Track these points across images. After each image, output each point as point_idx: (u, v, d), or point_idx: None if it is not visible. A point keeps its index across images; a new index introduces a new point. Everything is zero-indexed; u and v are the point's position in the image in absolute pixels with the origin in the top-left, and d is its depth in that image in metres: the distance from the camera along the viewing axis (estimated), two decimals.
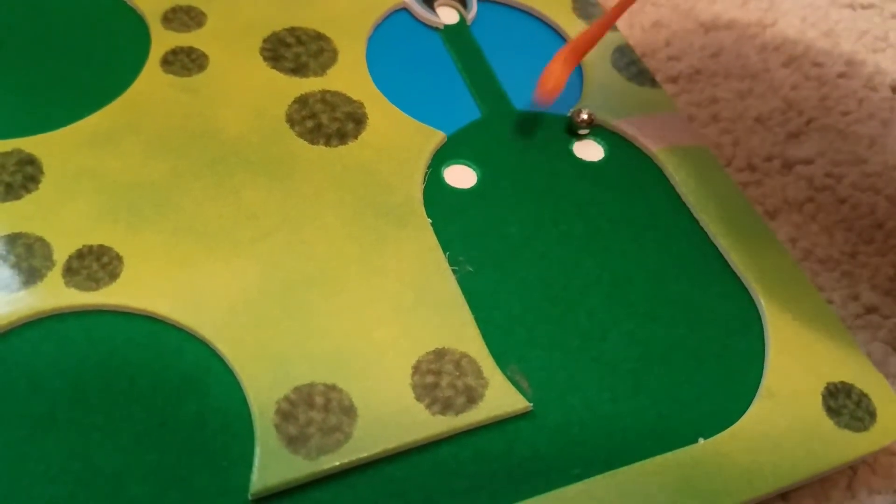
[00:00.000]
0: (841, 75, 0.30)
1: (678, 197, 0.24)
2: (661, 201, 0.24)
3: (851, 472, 0.21)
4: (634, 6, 0.31)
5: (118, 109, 0.23)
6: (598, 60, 0.27)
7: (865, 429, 0.20)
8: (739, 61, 0.29)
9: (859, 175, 0.26)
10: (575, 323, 0.21)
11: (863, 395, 0.20)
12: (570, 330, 0.21)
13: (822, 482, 0.20)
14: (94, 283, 0.20)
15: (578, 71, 0.27)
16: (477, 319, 0.20)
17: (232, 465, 0.18)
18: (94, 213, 0.21)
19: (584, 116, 0.25)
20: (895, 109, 0.29)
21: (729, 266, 0.23)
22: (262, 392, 0.18)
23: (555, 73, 0.24)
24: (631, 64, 0.27)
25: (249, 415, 0.18)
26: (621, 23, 0.30)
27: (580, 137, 0.25)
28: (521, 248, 0.22)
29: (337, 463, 0.18)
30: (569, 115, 0.25)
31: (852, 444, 0.20)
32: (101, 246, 0.20)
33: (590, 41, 0.25)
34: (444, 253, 0.21)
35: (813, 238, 0.25)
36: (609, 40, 0.27)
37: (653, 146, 0.25)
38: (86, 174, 0.22)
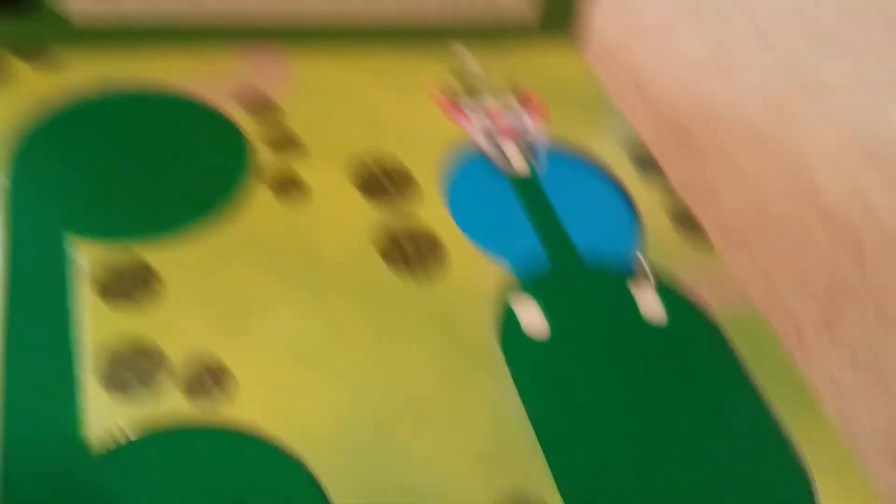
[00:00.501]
0: (882, 251, 0.32)
1: (737, 362, 0.25)
2: (720, 363, 0.25)
3: None
4: (685, 164, 0.32)
5: (229, 225, 0.25)
6: (654, 214, 0.28)
7: None
8: (788, 230, 0.31)
9: None
10: (643, 478, 0.22)
11: None
12: (639, 483, 0.22)
13: None
14: (205, 397, 0.21)
15: (635, 222, 0.28)
16: (551, 466, 0.21)
17: None
18: (206, 324, 0.22)
19: (647, 273, 0.26)
20: None
21: (785, 439, 0.23)
22: None
23: None
24: (686, 222, 0.28)
25: None
26: (672, 179, 0.32)
27: (643, 294, 0.26)
28: (588, 398, 0.23)
29: None
30: (633, 270, 0.26)
31: None
32: (210, 356, 0.21)
33: None
34: (519, 397, 0.22)
35: (854, 409, 0.26)
36: (664, 196, 0.29)
37: (711, 306, 0.26)
38: (200, 286, 0.23)
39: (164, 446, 0.20)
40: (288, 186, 0.26)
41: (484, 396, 0.22)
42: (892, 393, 0.27)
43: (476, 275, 0.25)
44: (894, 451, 0.25)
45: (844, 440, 0.24)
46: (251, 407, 0.21)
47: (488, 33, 0.33)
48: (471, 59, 0.32)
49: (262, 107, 0.28)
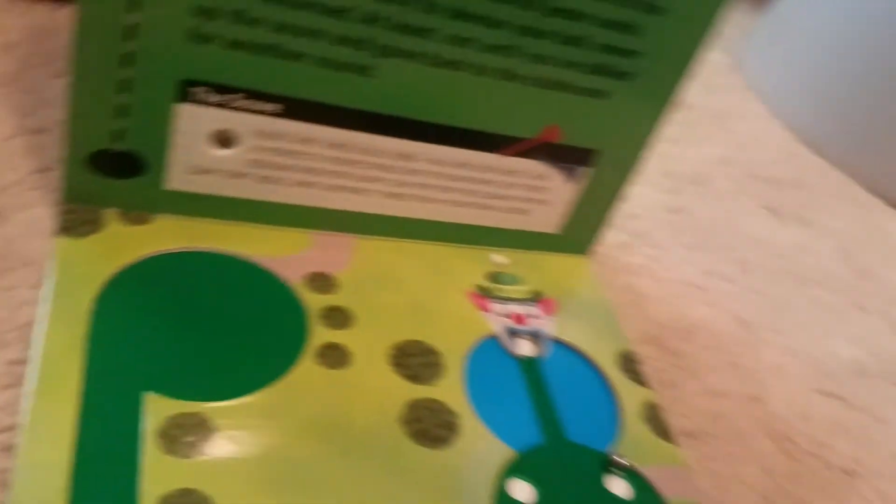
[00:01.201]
0: (810, 454, 0.38)
1: None
2: None
3: None
4: (662, 375, 0.39)
5: (279, 390, 0.29)
6: (631, 410, 0.34)
7: None
8: (734, 428, 0.37)
9: None
10: None
11: None
12: None
13: None
14: None
15: (615, 414, 0.34)
16: None
17: None
18: (254, 482, 0.26)
19: (623, 462, 0.32)
20: (849, 490, 0.37)
21: None
22: None
23: None
24: (656, 419, 0.34)
25: None
26: (647, 377, 0.38)
27: (613, 475, 0.32)
28: None
29: None
30: (607, 454, 0.32)
31: None
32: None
33: None
34: None
35: None
36: (641, 394, 0.35)
37: (669, 495, 0.32)
38: (250, 444, 0.27)
39: None
40: (336, 360, 0.31)
41: None
42: None
43: (482, 451, 0.30)
44: None
45: None
46: None
47: (519, 243, 0.40)
48: (502, 263, 0.39)
49: (323, 284, 0.34)
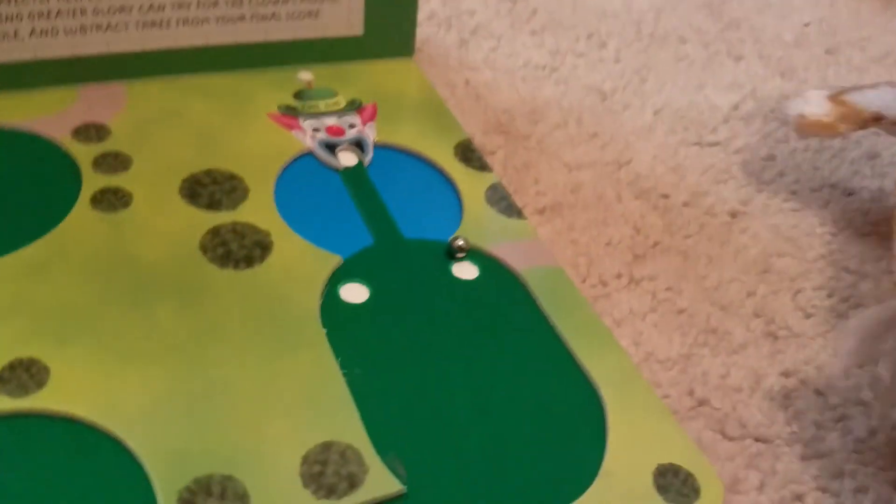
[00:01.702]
0: (685, 204, 0.35)
1: (538, 309, 0.28)
2: (523, 313, 0.28)
3: None
4: (508, 150, 0.36)
5: (50, 242, 0.27)
6: (474, 196, 0.32)
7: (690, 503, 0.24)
8: (596, 195, 0.35)
9: (697, 288, 0.31)
10: (445, 418, 0.24)
11: (689, 475, 0.24)
12: (441, 424, 0.24)
13: None
14: (22, 390, 0.23)
15: (458, 204, 0.32)
16: (363, 415, 0.24)
17: None
18: (26, 330, 0.24)
19: (461, 243, 0.29)
20: (732, 231, 0.34)
21: (578, 367, 0.27)
22: (166, 483, 0.21)
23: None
24: (502, 199, 0.32)
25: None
26: (496, 164, 0.35)
27: (458, 260, 0.29)
28: (403, 355, 0.26)
29: None
30: (448, 241, 0.29)
31: None
32: (30, 358, 0.23)
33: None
34: (337, 359, 0.25)
35: (654, 342, 0.29)
36: (484, 179, 0.33)
37: (518, 267, 0.29)
38: (20, 297, 0.25)
39: None
40: (114, 203, 0.28)
41: (301, 366, 0.25)
42: (685, 328, 0.30)
43: (300, 262, 0.28)
44: (685, 377, 0.28)
45: (629, 362, 0.27)
46: (65, 397, 0.23)
47: (326, 56, 0.36)
48: (308, 80, 0.36)
49: (92, 134, 0.31)
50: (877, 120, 0.35)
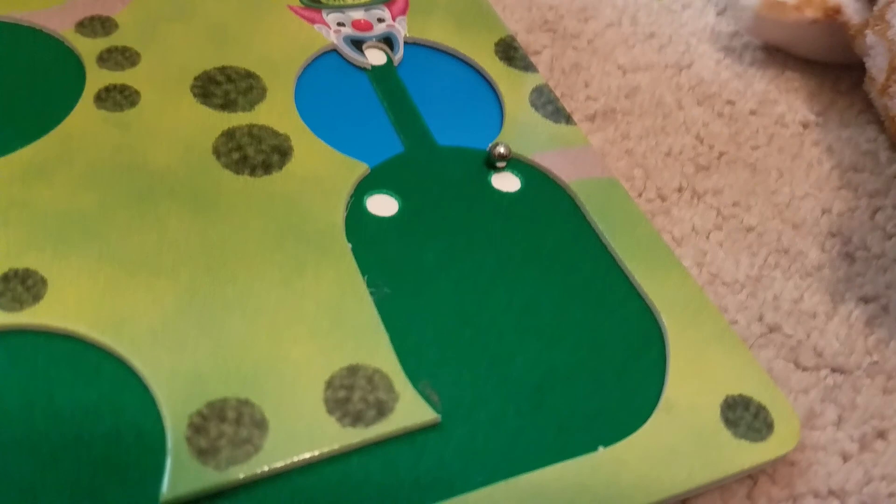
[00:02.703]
0: (752, 112, 0.32)
1: (589, 225, 0.25)
2: (572, 230, 0.25)
3: (751, 482, 0.21)
4: (556, 50, 0.33)
5: (50, 143, 0.24)
6: (516, 99, 0.28)
7: (763, 439, 0.21)
8: (654, 101, 0.31)
9: (766, 204, 0.28)
10: (485, 344, 0.22)
11: (761, 408, 0.21)
12: (480, 350, 0.22)
13: (722, 491, 0.21)
14: (17, 304, 0.20)
15: (498, 108, 0.28)
16: (392, 338, 0.21)
17: (145, 478, 0.18)
18: (22, 239, 0.22)
19: (502, 150, 0.26)
20: (804, 144, 0.31)
21: (635, 289, 0.24)
22: (176, 407, 0.19)
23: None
24: (548, 103, 0.29)
25: (163, 429, 0.19)
26: (541, 65, 0.32)
27: (498, 170, 0.26)
28: (437, 273, 0.23)
29: (242, 475, 0.18)
30: (487, 149, 0.26)
31: (749, 454, 0.21)
32: (26, 269, 0.21)
33: None
34: (363, 276, 0.22)
35: (719, 263, 0.26)
36: (528, 81, 0.29)
37: (566, 178, 0.26)
38: (16, 203, 0.22)
39: None
40: (120, 101, 0.25)
41: (324, 283, 0.22)
42: (754, 247, 0.27)
43: (323, 170, 0.25)
44: (755, 301, 0.25)
45: (694, 284, 0.24)
46: (66, 309, 0.20)
47: None
48: None
49: (97, 27, 0.28)
50: (836, 13, 0.31)
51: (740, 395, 0.22)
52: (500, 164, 0.26)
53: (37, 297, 0.21)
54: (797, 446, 0.21)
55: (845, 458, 0.22)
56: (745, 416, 0.21)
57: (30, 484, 0.18)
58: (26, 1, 0.28)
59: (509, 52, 0.30)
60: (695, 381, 0.22)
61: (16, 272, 0.21)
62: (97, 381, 0.20)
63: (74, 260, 0.21)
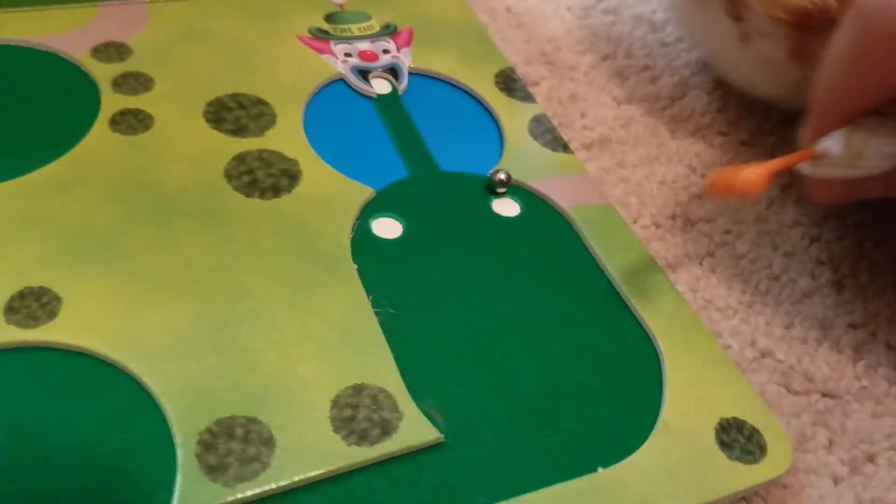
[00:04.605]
0: (743, 143, 0.33)
1: (587, 250, 0.26)
2: (571, 254, 0.26)
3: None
4: (553, 82, 0.34)
5: (67, 163, 0.25)
6: (516, 127, 0.29)
7: (756, 462, 0.22)
8: (648, 130, 0.32)
9: (757, 233, 0.29)
10: (489, 363, 0.23)
11: (754, 431, 0.22)
12: (485, 369, 0.22)
13: None
14: (32, 321, 0.21)
15: (499, 136, 0.29)
16: (396, 358, 0.22)
17: (155, 493, 0.19)
18: (38, 256, 0.22)
19: (502, 177, 0.27)
20: (794, 175, 0.32)
21: (632, 313, 0.24)
22: (186, 424, 0.20)
23: (752, 181, 0.23)
24: (546, 132, 0.29)
25: (174, 445, 0.19)
26: (540, 95, 0.33)
27: (498, 196, 0.27)
28: (441, 294, 0.24)
29: (251, 492, 0.19)
30: (488, 175, 0.27)
31: (743, 476, 0.21)
32: (41, 287, 0.22)
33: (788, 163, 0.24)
34: (369, 296, 0.23)
35: (712, 289, 0.27)
36: (527, 110, 0.30)
37: (564, 204, 0.27)
38: (34, 221, 0.23)
39: None
40: (134, 125, 0.26)
41: (330, 303, 0.23)
42: (744, 274, 0.28)
43: (330, 194, 0.25)
44: (747, 327, 0.26)
45: (688, 308, 0.25)
46: (80, 326, 0.21)
47: None
48: (339, 1, 0.33)
49: (113, 53, 0.29)
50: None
51: (734, 418, 0.22)
52: (501, 190, 0.27)
53: (51, 315, 0.21)
54: (789, 469, 0.22)
55: (836, 480, 0.23)
56: (739, 439, 0.22)
57: (42, 498, 0.18)
58: (44, 26, 0.29)
59: (509, 82, 0.31)
60: (691, 403, 0.22)
61: (31, 290, 0.21)
62: (109, 398, 0.20)
63: (89, 276, 0.22)
